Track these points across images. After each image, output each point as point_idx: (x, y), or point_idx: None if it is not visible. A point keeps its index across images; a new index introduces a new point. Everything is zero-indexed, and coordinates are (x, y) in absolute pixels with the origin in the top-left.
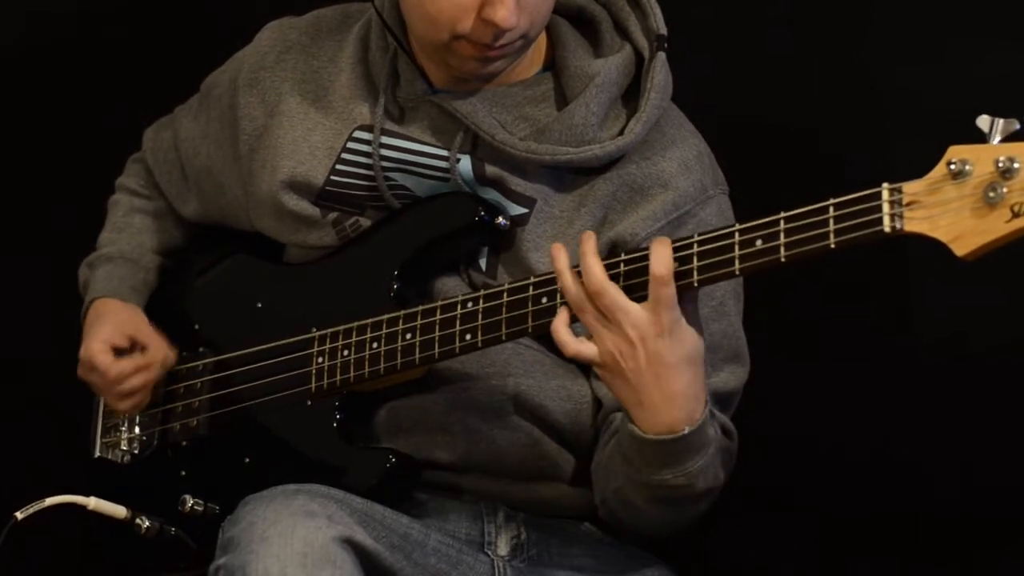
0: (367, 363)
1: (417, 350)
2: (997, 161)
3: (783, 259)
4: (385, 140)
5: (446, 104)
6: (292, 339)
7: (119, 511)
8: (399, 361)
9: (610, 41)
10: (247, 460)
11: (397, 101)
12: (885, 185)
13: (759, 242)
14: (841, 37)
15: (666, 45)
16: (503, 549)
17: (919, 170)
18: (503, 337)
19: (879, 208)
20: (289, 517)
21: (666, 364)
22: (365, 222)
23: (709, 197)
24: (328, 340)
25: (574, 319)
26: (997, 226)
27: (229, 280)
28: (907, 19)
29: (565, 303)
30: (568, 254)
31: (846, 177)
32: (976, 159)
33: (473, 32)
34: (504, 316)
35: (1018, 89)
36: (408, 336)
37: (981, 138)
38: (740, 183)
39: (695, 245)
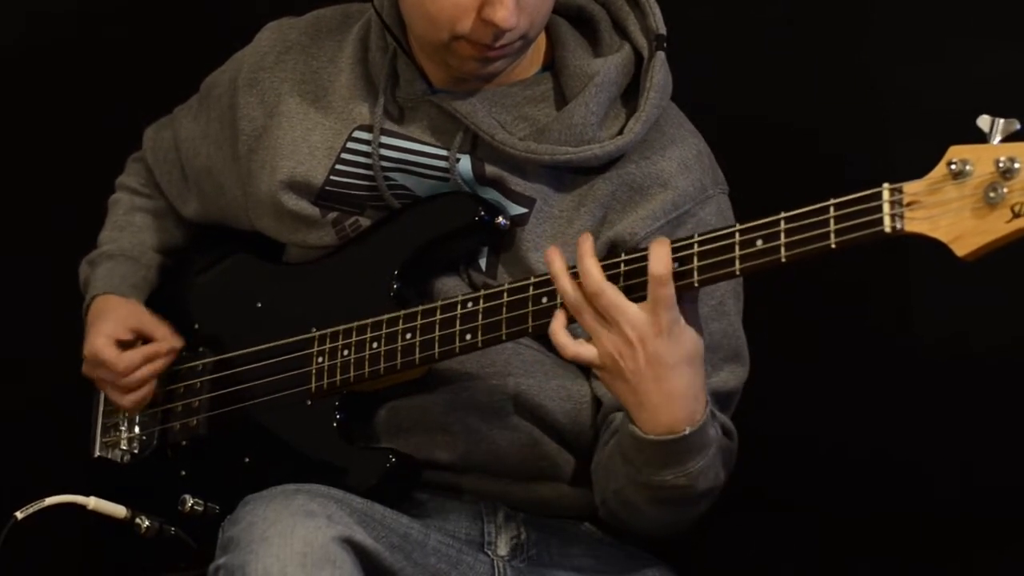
0: (367, 363)
1: (417, 350)
2: (997, 161)
3: (783, 259)
4: (385, 140)
5: (446, 104)
6: (292, 339)
7: (119, 511)
8: (399, 361)
9: (609, 41)
10: (247, 460)
11: (396, 101)
12: (886, 185)
13: (759, 242)
14: (841, 37)
15: (665, 44)
16: (503, 549)
17: (919, 170)
18: (503, 337)
19: (879, 208)
20: (289, 517)
21: (665, 364)
22: (365, 222)
23: (709, 197)
24: (328, 340)
25: (572, 321)
26: (997, 226)
27: (229, 280)
28: (907, 19)
29: (562, 305)
30: (566, 255)
31: (846, 177)
32: (976, 159)
33: (473, 32)
34: (504, 316)
35: (1018, 89)
36: (408, 336)
37: (981, 138)
38: (740, 183)
39: (695, 245)
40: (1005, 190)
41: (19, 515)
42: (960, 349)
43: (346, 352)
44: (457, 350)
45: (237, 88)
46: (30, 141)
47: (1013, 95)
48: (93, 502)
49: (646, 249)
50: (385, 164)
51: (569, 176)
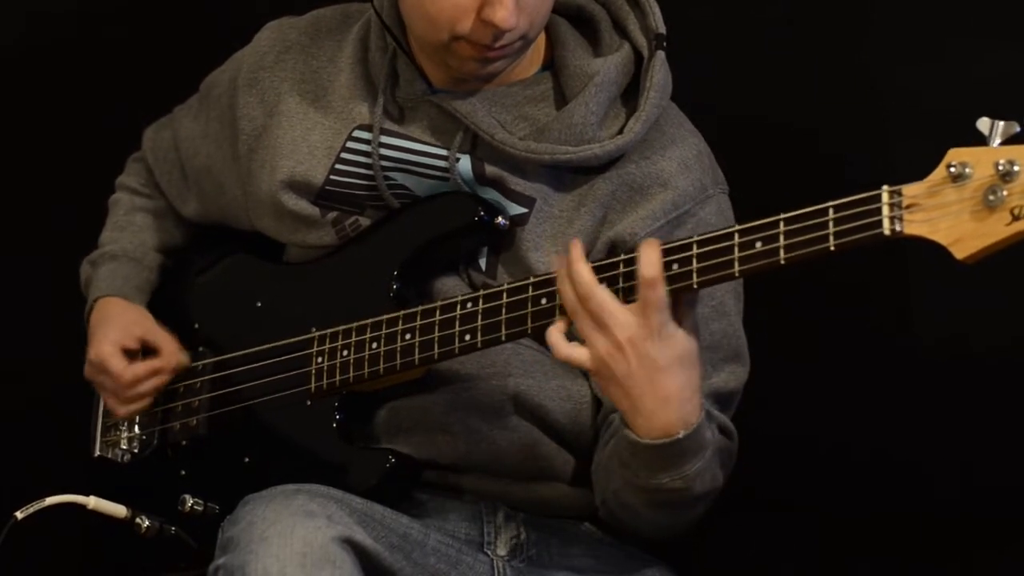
0: (367, 363)
1: (416, 350)
2: (997, 164)
3: (783, 261)
4: (384, 140)
5: (445, 104)
6: (292, 339)
7: (119, 511)
8: (398, 361)
9: (609, 40)
10: (247, 460)
11: (396, 101)
12: (885, 188)
13: (759, 244)
14: (841, 37)
15: (665, 44)
16: (503, 549)
17: (919, 171)
18: (503, 338)
19: (879, 211)
20: (289, 517)
21: (658, 367)
22: (364, 222)
23: (708, 196)
24: (328, 340)
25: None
26: (997, 229)
27: (229, 280)
28: (907, 19)
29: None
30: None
31: (846, 177)
32: (976, 162)
33: (472, 33)
34: (504, 317)
35: (1018, 89)
36: (407, 336)
37: (981, 139)
38: (740, 183)
39: (694, 247)
40: (1005, 193)
41: (19, 515)
42: (960, 350)
43: (346, 352)
44: (456, 351)
45: (237, 88)
46: (30, 141)
47: (1013, 95)
48: (93, 502)
49: None
50: (385, 164)
51: (569, 176)
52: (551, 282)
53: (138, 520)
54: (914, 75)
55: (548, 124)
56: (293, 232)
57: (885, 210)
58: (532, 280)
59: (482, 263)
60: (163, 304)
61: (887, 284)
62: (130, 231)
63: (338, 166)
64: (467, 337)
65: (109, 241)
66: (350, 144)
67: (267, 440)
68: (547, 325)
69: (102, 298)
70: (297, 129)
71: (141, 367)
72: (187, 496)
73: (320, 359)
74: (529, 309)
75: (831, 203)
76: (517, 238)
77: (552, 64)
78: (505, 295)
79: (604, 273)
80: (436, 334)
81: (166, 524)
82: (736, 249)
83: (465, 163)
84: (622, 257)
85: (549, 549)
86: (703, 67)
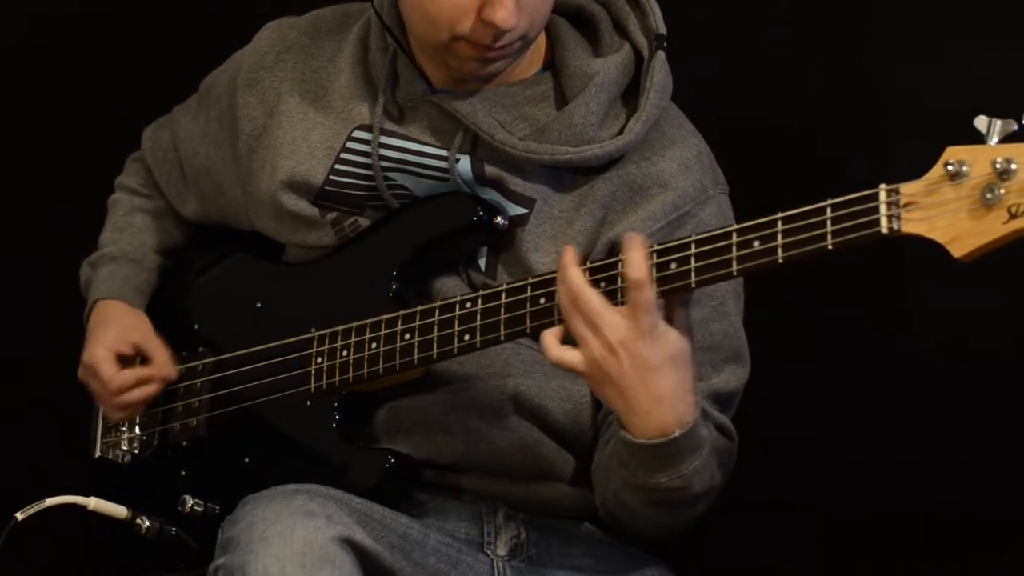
0: (366, 363)
1: (416, 350)
2: (994, 162)
3: (780, 260)
4: (384, 140)
5: (445, 104)
6: (291, 339)
7: (119, 511)
8: (398, 361)
9: (609, 40)
10: (247, 460)
11: (396, 101)
12: (882, 186)
13: (756, 243)
14: (841, 37)
15: (665, 44)
16: (502, 549)
17: (919, 170)
18: (502, 337)
19: (876, 209)
20: (288, 517)
21: (650, 367)
22: (364, 222)
23: (709, 197)
24: (327, 340)
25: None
26: (994, 227)
27: (229, 280)
28: (907, 19)
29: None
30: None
31: (846, 177)
32: (973, 160)
33: (472, 33)
34: (503, 317)
35: (1018, 89)
36: (407, 336)
37: (980, 139)
38: (740, 183)
39: (692, 246)
40: (1002, 191)
41: (19, 516)
42: (959, 349)
43: (345, 352)
44: (456, 350)
45: (237, 88)
46: (30, 141)
47: (1013, 95)
48: (93, 502)
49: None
50: (385, 164)
51: (569, 176)
52: (550, 282)
53: (138, 521)
54: (914, 75)
55: (548, 124)
56: (292, 232)
57: (882, 208)
58: (531, 280)
59: (482, 263)
60: (163, 304)
61: (886, 283)
62: (129, 232)
63: (338, 166)
64: (466, 337)
65: (108, 242)
66: (350, 144)
67: (267, 440)
68: (546, 325)
69: (101, 300)
70: (297, 129)
71: (130, 375)
72: (187, 496)
73: (320, 359)
74: (528, 309)
75: (828, 202)
76: (517, 239)
77: (552, 64)
78: (504, 295)
79: (602, 273)
80: (435, 334)
81: (166, 524)
82: (734, 248)
83: (465, 163)
84: (620, 257)
85: (549, 549)
86: (703, 67)
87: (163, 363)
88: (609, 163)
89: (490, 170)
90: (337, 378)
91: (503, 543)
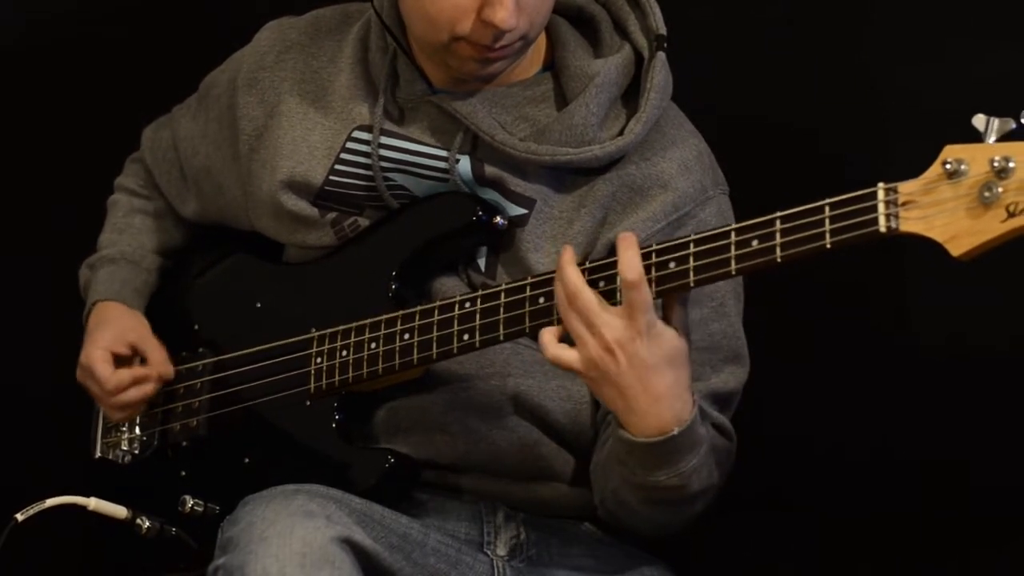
0: (366, 363)
1: (415, 350)
2: (992, 161)
3: (779, 259)
4: (384, 140)
5: (446, 104)
6: (291, 339)
7: (119, 511)
8: (397, 361)
9: (610, 41)
10: (247, 460)
11: (396, 101)
12: (881, 185)
13: (755, 242)
14: (841, 37)
15: (666, 45)
16: (502, 549)
17: (919, 170)
18: (501, 337)
19: (874, 208)
20: (288, 517)
21: (647, 366)
22: (364, 222)
23: (709, 198)
24: (327, 340)
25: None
26: (992, 226)
27: (229, 280)
28: (907, 19)
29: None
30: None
31: (846, 177)
32: (971, 159)
33: (472, 33)
34: (502, 316)
35: (1018, 89)
36: (406, 336)
37: (979, 138)
38: (740, 183)
39: (691, 245)
40: (1000, 190)
41: (19, 516)
42: (958, 349)
43: (345, 352)
44: (455, 350)
45: (237, 88)
46: (30, 141)
47: (1013, 95)
48: (94, 503)
49: (646, 247)
50: (384, 164)
51: (569, 177)
52: (549, 282)
53: (138, 521)
54: (914, 75)
55: (548, 125)
56: (292, 232)
57: (881, 207)
58: (530, 280)
59: (481, 263)
60: (163, 305)
61: (884, 282)
62: (128, 233)
63: (338, 166)
64: (465, 337)
65: (107, 244)
66: (350, 144)
67: (267, 440)
68: (545, 325)
69: (100, 302)
70: (297, 129)
71: (126, 375)
72: (187, 497)
73: (319, 359)
74: (527, 309)
75: (827, 201)
76: (517, 239)
77: (553, 65)
78: (503, 295)
79: (600, 273)
80: (434, 334)
81: (166, 525)
82: (732, 248)
83: (465, 164)
84: (615, 258)
85: (549, 549)
86: (703, 67)
87: (160, 362)
88: (609, 164)
89: (490, 170)
90: (337, 378)
91: (503, 543)
